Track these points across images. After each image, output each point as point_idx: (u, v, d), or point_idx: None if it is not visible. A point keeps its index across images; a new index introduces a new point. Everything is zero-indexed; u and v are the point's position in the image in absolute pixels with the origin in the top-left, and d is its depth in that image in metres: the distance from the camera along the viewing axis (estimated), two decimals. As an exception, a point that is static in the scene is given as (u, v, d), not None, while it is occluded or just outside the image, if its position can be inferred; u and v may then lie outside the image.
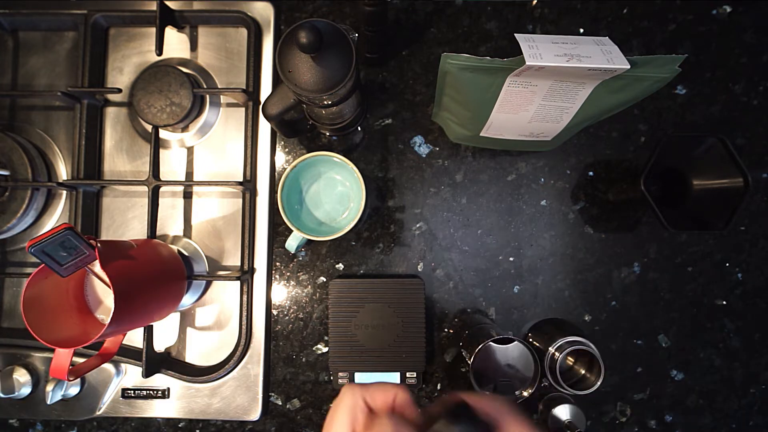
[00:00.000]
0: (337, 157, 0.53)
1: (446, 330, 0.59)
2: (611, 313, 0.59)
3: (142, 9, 0.59)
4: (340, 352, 0.56)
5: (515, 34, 0.43)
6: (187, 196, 0.60)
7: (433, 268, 0.59)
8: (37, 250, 0.39)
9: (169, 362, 0.58)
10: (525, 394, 0.51)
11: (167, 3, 0.58)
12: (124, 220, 0.60)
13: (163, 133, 0.59)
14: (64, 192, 0.60)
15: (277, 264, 0.60)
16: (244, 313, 0.57)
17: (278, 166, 0.60)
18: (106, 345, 0.50)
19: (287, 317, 0.59)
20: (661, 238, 0.59)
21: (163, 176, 0.58)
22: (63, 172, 0.60)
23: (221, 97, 0.60)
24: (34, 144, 0.59)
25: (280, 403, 0.59)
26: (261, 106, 0.49)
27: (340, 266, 0.60)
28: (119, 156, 0.60)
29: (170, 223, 0.60)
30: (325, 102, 0.45)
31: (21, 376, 0.55)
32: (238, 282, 0.58)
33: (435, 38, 0.60)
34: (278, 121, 0.49)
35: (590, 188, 0.60)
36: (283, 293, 0.60)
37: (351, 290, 0.56)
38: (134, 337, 0.58)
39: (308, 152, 0.54)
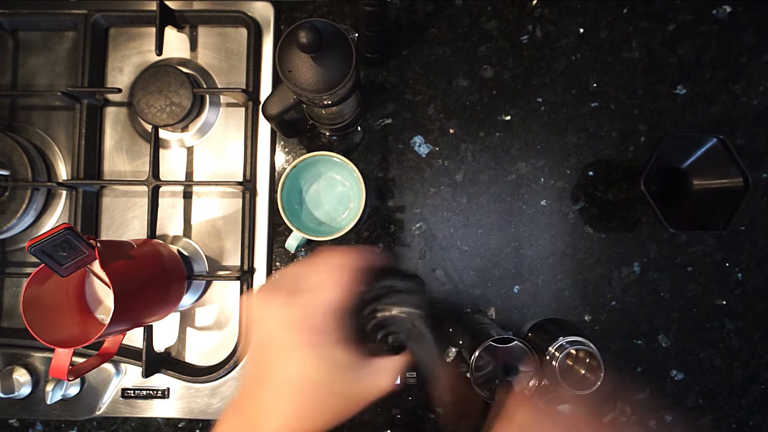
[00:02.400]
0: (337, 157, 0.53)
1: (446, 330, 0.59)
2: (611, 313, 0.59)
3: (142, 9, 0.59)
4: (340, 352, 0.55)
5: None
6: (187, 196, 0.60)
7: (433, 268, 0.59)
8: (37, 250, 0.39)
9: (169, 362, 0.58)
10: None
11: (167, 3, 0.58)
12: (124, 220, 0.60)
13: (163, 133, 0.59)
14: (64, 192, 0.59)
15: (277, 264, 0.60)
16: (244, 314, 0.57)
17: (278, 166, 0.60)
18: (106, 345, 0.50)
19: (287, 317, 0.59)
20: (661, 238, 0.59)
21: (163, 176, 0.58)
22: (63, 172, 0.60)
23: (221, 97, 0.60)
24: (34, 144, 0.59)
25: (280, 403, 0.59)
26: (261, 106, 0.49)
27: (340, 266, 0.60)
28: (119, 156, 0.60)
29: (170, 223, 0.60)
30: (325, 102, 0.45)
31: (21, 376, 0.55)
32: (238, 282, 0.58)
33: (435, 38, 0.60)
34: (278, 121, 0.49)
35: (590, 188, 0.59)
36: (283, 293, 0.60)
37: (351, 290, 0.56)
38: (134, 337, 0.58)
39: (308, 152, 0.54)
